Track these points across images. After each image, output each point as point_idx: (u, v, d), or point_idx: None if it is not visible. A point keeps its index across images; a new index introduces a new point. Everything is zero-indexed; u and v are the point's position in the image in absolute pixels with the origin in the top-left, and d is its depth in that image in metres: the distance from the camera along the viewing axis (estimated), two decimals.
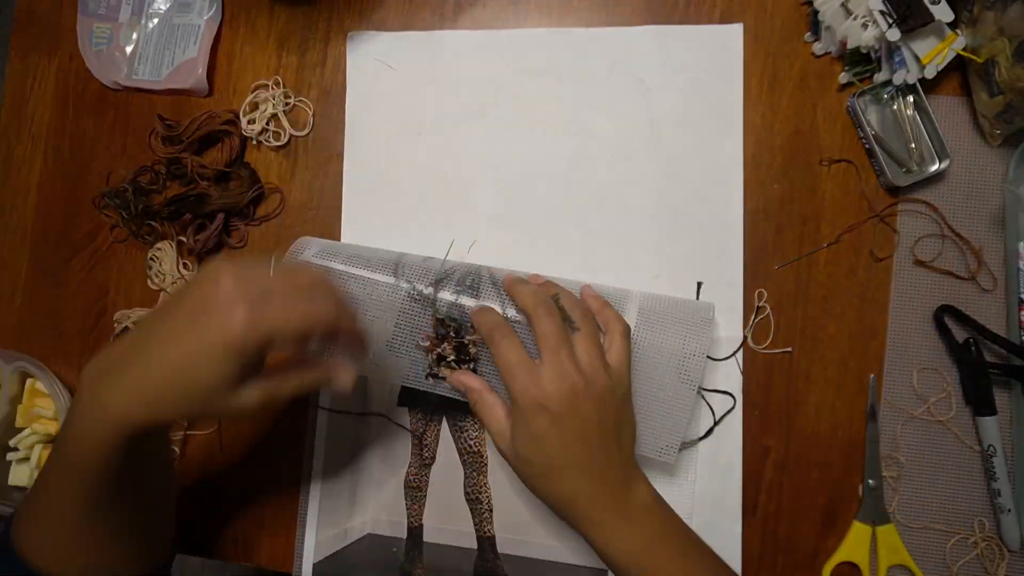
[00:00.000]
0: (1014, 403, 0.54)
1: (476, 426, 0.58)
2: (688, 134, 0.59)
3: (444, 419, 0.59)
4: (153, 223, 0.62)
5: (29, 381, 0.64)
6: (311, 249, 0.55)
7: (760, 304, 0.57)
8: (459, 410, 0.58)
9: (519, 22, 0.62)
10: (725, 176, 0.58)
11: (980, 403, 0.54)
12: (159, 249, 0.63)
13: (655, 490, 0.48)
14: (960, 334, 0.55)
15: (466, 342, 0.51)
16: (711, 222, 0.58)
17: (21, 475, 0.64)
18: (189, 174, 0.62)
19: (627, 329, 0.49)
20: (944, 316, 0.55)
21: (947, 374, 0.56)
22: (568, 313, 0.48)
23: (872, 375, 0.56)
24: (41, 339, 0.66)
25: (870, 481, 0.55)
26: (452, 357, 0.51)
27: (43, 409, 0.63)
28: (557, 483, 0.46)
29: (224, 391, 0.39)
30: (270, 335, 0.38)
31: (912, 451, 0.55)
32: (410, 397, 0.59)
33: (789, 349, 0.57)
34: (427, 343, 0.51)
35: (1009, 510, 0.53)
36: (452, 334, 0.51)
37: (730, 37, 0.59)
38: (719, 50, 0.59)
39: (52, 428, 0.63)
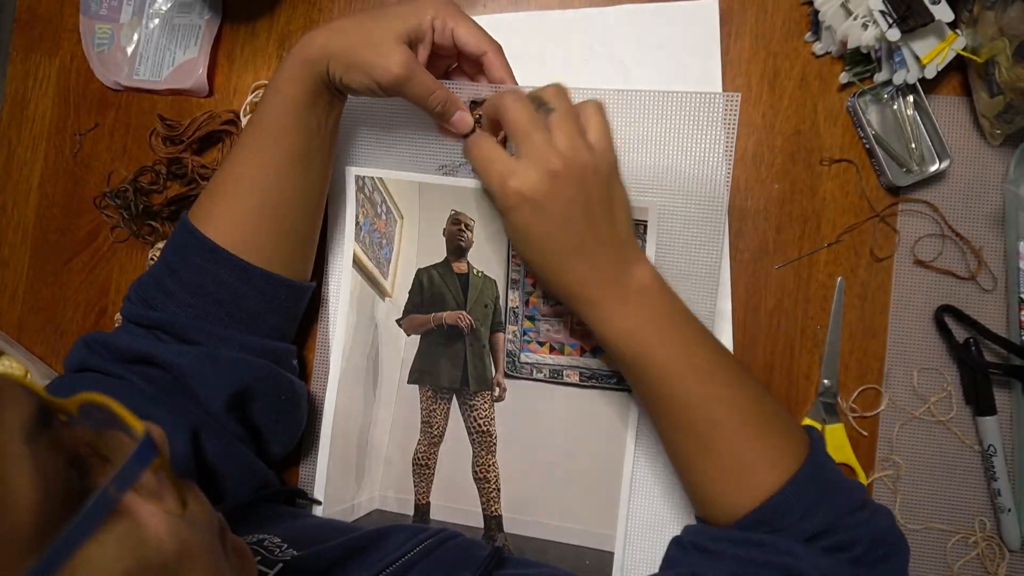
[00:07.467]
0: (1014, 403, 0.54)
1: (486, 405, 0.58)
2: None
3: (454, 397, 0.59)
4: (154, 223, 0.63)
5: None
6: None
7: None
8: (468, 388, 0.59)
9: (494, 8, 0.62)
10: None
11: (980, 403, 0.54)
12: (159, 249, 0.63)
13: (656, 272, 0.46)
14: (960, 334, 0.55)
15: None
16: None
17: None
18: (190, 174, 0.62)
19: (600, 105, 0.45)
20: (944, 316, 0.55)
21: (947, 374, 0.56)
22: (539, 95, 0.44)
23: (840, 277, 0.56)
24: (41, 339, 0.66)
25: (825, 381, 0.56)
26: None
27: None
28: (554, 273, 0.44)
29: (388, 52, 0.46)
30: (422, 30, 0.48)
31: (912, 451, 0.55)
32: (420, 375, 0.59)
33: None
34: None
35: (1009, 510, 0.53)
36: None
37: (705, 12, 0.59)
38: (695, 26, 0.59)
39: None
